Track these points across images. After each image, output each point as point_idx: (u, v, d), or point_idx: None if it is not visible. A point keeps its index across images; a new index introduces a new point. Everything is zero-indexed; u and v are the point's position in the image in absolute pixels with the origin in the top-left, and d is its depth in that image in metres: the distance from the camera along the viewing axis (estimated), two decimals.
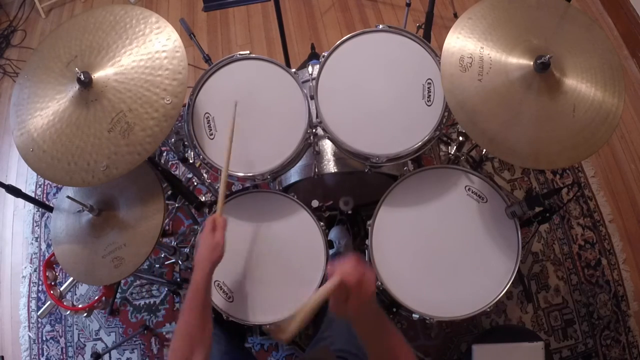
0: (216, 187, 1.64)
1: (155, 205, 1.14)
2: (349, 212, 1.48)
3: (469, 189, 1.20)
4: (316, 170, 1.35)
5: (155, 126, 0.99)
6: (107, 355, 1.84)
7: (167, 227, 2.00)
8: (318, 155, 1.36)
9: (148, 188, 1.16)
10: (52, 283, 1.43)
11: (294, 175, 1.41)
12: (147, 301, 1.91)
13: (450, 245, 1.17)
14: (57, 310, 1.91)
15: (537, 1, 1.09)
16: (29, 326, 1.96)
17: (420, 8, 2.46)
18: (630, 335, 1.69)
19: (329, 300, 0.72)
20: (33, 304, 1.99)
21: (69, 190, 1.21)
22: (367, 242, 1.18)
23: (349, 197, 1.47)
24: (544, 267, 1.81)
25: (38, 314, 1.78)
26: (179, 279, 1.83)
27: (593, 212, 1.89)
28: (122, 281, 1.93)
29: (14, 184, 1.33)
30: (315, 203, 1.24)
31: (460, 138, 1.44)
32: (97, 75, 1.02)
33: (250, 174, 1.17)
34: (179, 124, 1.28)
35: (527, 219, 1.29)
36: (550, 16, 1.07)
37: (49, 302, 1.43)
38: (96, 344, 1.88)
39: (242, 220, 1.22)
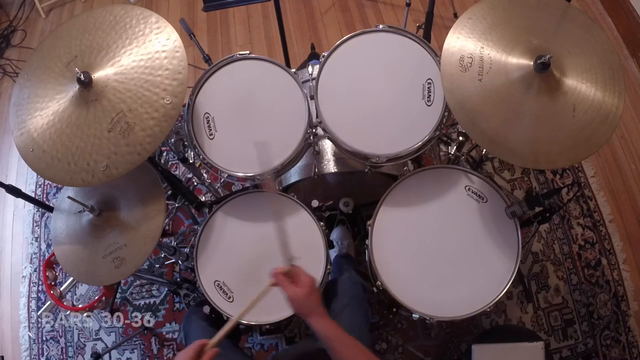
0: (216, 187, 1.65)
1: (156, 206, 1.14)
2: (349, 212, 1.48)
3: (469, 189, 1.20)
4: (316, 170, 1.35)
5: (155, 126, 0.99)
6: (107, 355, 1.84)
7: (167, 227, 2.00)
8: (318, 155, 1.36)
9: (148, 188, 1.16)
10: (52, 283, 1.43)
11: (294, 175, 1.41)
12: (147, 301, 1.91)
13: (450, 245, 1.17)
14: (57, 310, 1.91)
15: (537, 1, 1.09)
16: (29, 326, 1.96)
17: (420, 8, 2.46)
18: (630, 335, 1.69)
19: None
20: (33, 304, 1.99)
21: (69, 191, 1.21)
22: (367, 242, 1.18)
23: (349, 199, 1.47)
24: (544, 267, 1.80)
25: (38, 314, 1.78)
26: (179, 279, 1.83)
27: (593, 212, 1.88)
28: (122, 281, 1.93)
29: (14, 184, 1.32)
30: (315, 203, 1.24)
31: (460, 138, 1.44)
32: (97, 75, 1.02)
33: (250, 174, 1.17)
34: (179, 124, 1.28)
35: (527, 219, 1.28)
36: (550, 16, 1.07)
37: (49, 302, 1.43)
38: (96, 344, 1.87)
39: (242, 220, 1.22)
